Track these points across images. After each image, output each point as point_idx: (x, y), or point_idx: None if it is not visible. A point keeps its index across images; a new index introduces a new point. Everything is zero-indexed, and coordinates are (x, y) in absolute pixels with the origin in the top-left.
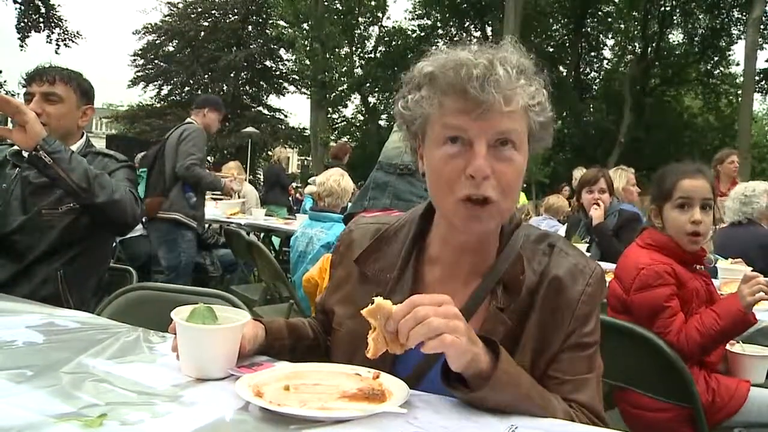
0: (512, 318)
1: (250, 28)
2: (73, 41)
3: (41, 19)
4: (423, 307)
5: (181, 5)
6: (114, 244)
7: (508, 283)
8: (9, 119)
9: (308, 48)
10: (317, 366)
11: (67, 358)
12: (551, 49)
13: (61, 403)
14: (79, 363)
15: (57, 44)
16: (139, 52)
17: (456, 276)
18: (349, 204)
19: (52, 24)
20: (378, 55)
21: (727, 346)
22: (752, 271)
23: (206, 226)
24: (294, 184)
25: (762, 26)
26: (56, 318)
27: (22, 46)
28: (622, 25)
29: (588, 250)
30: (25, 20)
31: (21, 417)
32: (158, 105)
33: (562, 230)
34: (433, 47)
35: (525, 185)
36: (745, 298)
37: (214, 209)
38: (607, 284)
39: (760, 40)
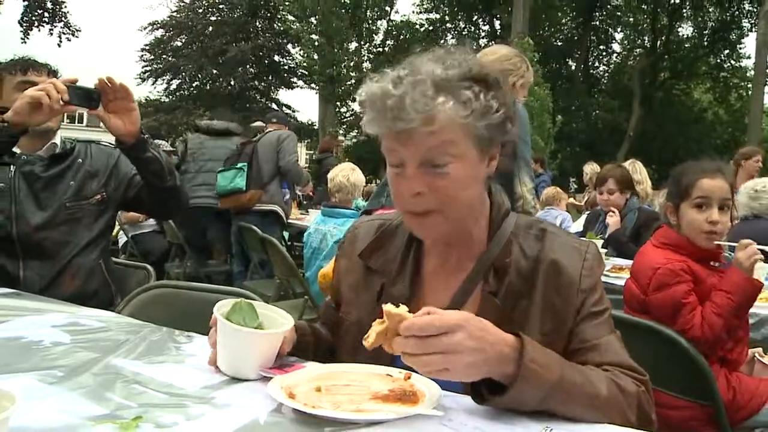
0: (505, 302)
1: (258, 22)
2: (74, 35)
3: (46, 15)
4: (432, 340)
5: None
6: (126, 239)
7: (498, 268)
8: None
9: (316, 43)
10: (348, 367)
11: (95, 358)
12: (560, 43)
13: (95, 405)
14: (107, 364)
15: (59, 37)
16: (147, 47)
17: (447, 266)
18: (359, 200)
19: (56, 19)
20: (386, 49)
21: (757, 356)
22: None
23: None
24: None
25: None
26: (80, 317)
27: (24, 40)
28: (632, 19)
29: (604, 247)
30: (30, 15)
31: (59, 419)
32: (167, 100)
33: (578, 225)
34: (372, 73)
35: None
36: (742, 264)
37: None
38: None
39: None
